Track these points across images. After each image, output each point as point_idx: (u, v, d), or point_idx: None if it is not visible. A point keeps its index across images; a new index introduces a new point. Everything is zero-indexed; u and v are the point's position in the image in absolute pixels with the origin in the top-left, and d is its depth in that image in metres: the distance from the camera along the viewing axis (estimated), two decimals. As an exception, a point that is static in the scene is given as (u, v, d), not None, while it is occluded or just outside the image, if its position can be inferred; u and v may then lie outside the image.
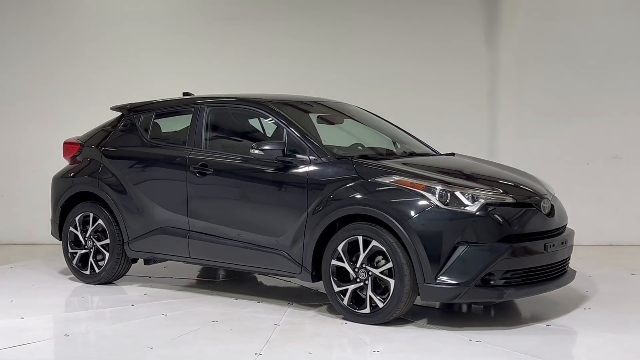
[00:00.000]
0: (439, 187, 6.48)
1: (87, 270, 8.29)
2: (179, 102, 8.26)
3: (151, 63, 11.31)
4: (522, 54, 11.16)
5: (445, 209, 6.41)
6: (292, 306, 7.30)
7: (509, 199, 6.61)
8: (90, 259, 8.26)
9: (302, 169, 7.03)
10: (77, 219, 8.37)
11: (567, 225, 7.21)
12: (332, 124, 8.25)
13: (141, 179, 7.98)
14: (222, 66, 11.33)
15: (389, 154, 7.74)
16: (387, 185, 6.62)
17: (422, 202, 6.45)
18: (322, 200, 6.85)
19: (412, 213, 6.43)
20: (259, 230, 7.21)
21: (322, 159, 7.02)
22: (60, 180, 8.63)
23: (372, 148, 7.90)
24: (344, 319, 6.77)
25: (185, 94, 8.71)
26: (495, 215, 6.44)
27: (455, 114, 11.26)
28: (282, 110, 7.52)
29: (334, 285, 6.77)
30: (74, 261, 8.37)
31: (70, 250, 8.41)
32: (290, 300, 7.53)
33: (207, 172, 7.51)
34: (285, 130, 7.31)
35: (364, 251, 6.62)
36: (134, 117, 8.33)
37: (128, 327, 6.65)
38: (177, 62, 11.32)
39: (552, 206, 6.91)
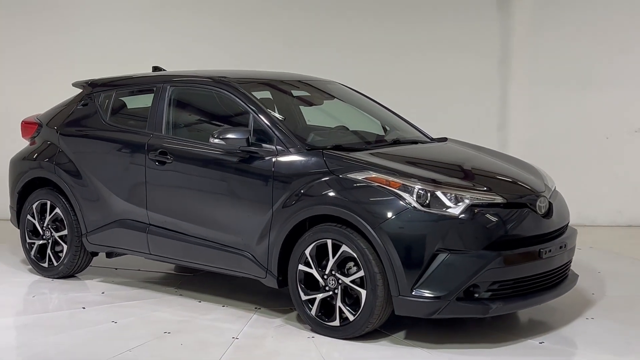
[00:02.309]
0: (417, 186, 5.66)
1: (45, 262, 7.61)
2: (141, 80, 7.44)
3: (129, 31, 10.62)
4: (536, 19, 10.47)
5: (424, 211, 5.60)
6: (259, 312, 6.55)
7: (498, 199, 5.78)
8: (49, 251, 7.57)
9: (268, 161, 6.23)
10: (34, 206, 7.65)
11: (568, 225, 6.38)
12: (311, 104, 7.44)
13: (98, 166, 7.22)
14: (208, 32, 10.63)
15: (377, 141, 6.94)
16: (359, 182, 5.81)
17: (398, 203, 5.64)
18: (289, 196, 6.06)
19: (386, 215, 5.62)
20: (222, 227, 6.45)
21: (290, 149, 6.21)
22: (18, 163, 7.89)
23: (355, 132, 7.09)
24: (311, 330, 6.03)
25: (155, 68, 7.92)
26: (482, 218, 5.63)
27: (463, 84, 10.59)
28: (249, 92, 6.68)
29: (301, 293, 6.02)
30: (32, 252, 7.68)
31: (28, 240, 7.72)
32: (260, 302, 6.77)
33: (167, 161, 6.74)
34: (251, 115, 6.49)
35: (333, 256, 5.84)
36: (94, 95, 7.54)
37: (66, 340, 5.91)
38: (157, 30, 10.63)
39: (550, 205, 6.08)
